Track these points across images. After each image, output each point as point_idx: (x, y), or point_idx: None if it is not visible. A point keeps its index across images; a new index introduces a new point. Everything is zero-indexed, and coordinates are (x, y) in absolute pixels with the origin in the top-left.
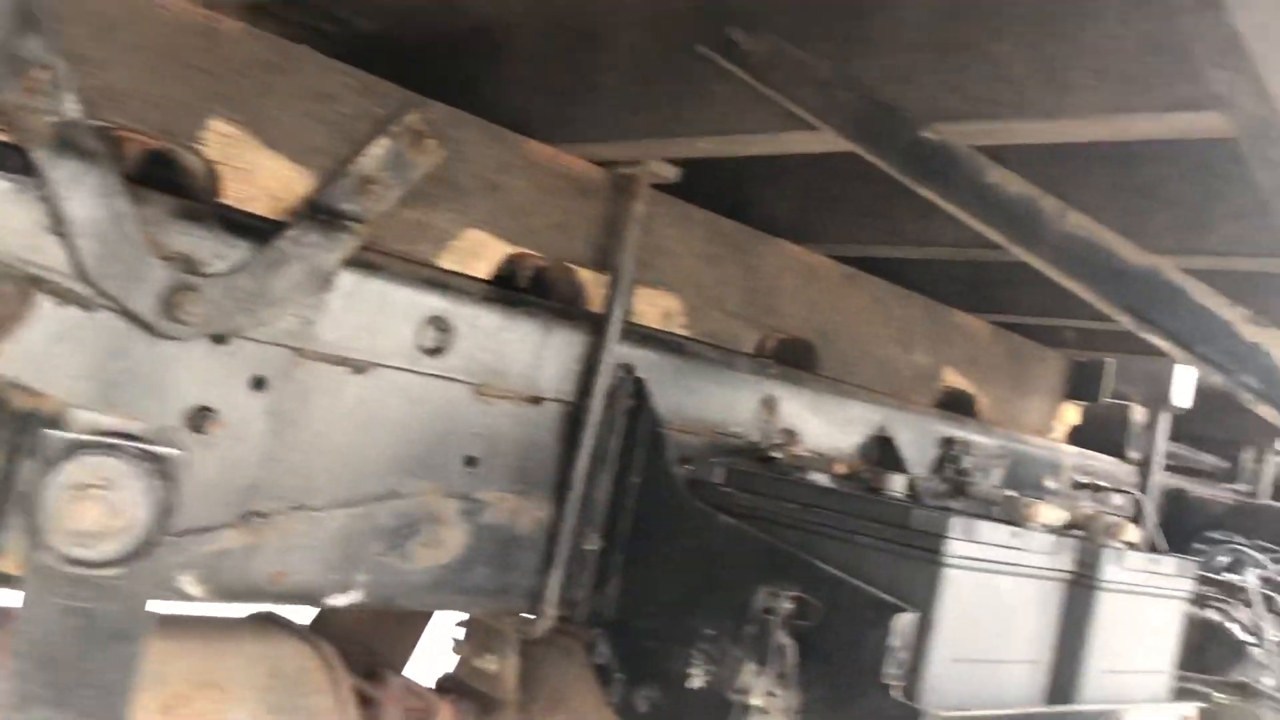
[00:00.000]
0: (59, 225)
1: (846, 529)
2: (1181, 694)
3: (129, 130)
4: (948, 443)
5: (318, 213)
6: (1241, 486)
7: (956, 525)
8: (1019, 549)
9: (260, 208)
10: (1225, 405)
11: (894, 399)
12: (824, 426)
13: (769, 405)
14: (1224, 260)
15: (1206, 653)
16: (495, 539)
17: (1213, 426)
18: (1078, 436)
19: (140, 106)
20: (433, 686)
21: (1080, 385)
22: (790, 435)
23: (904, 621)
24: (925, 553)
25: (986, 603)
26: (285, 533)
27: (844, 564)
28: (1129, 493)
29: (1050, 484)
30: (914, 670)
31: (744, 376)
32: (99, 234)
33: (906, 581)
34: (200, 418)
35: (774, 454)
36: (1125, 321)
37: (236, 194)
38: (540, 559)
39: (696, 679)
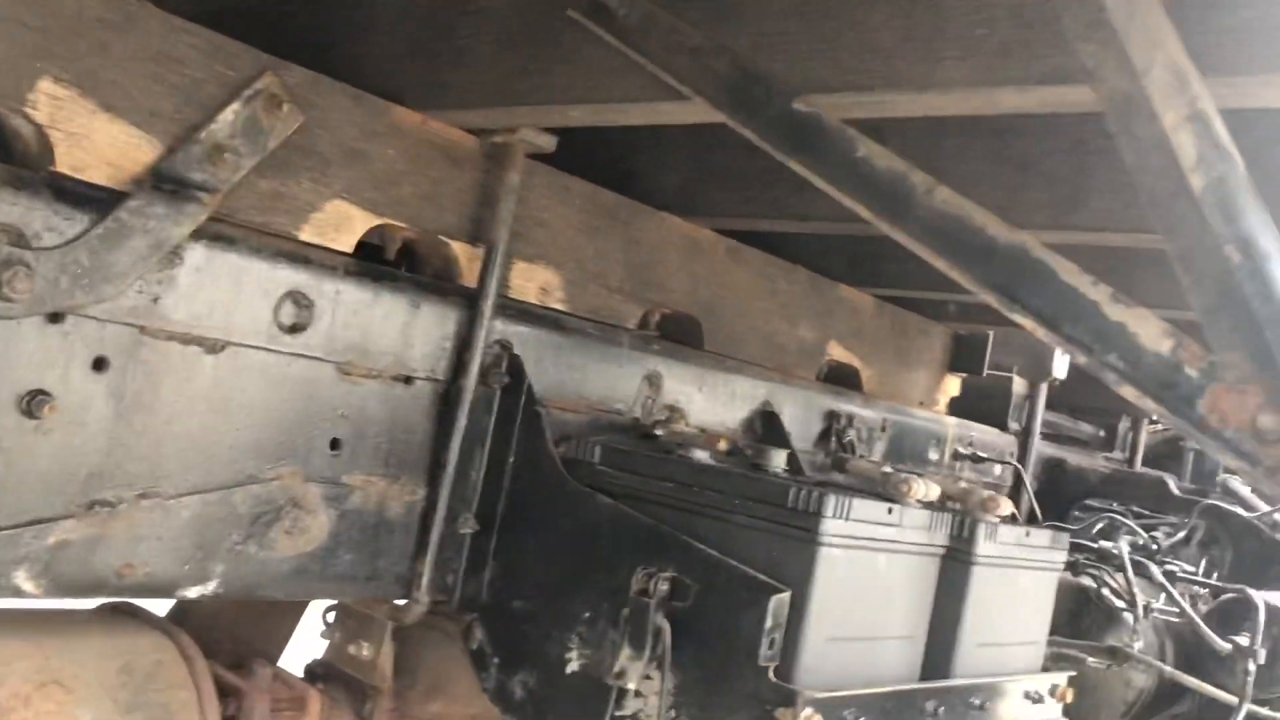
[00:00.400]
0: None
1: (724, 508)
2: (1056, 659)
3: None
4: (832, 416)
5: (163, 182)
6: (1117, 455)
7: (832, 504)
8: (895, 526)
9: (98, 176)
10: None
11: (779, 373)
12: (708, 402)
13: (652, 381)
14: (1095, 235)
15: (1081, 618)
16: (363, 524)
17: (1090, 396)
18: (960, 408)
19: None
20: (302, 675)
21: (962, 357)
22: (674, 411)
23: (778, 602)
24: (801, 531)
25: (862, 580)
26: (133, 523)
27: (721, 543)
28: (1009, 463)
29: (933, 455)
30: (789, 651)
31: (627, 352)
32: None
33: (782, 561)
34: (34, 402)
35: (656, 431)
36: (991, 300)
37: (71, 161)
38: (412, 543)
39: (573, 663)
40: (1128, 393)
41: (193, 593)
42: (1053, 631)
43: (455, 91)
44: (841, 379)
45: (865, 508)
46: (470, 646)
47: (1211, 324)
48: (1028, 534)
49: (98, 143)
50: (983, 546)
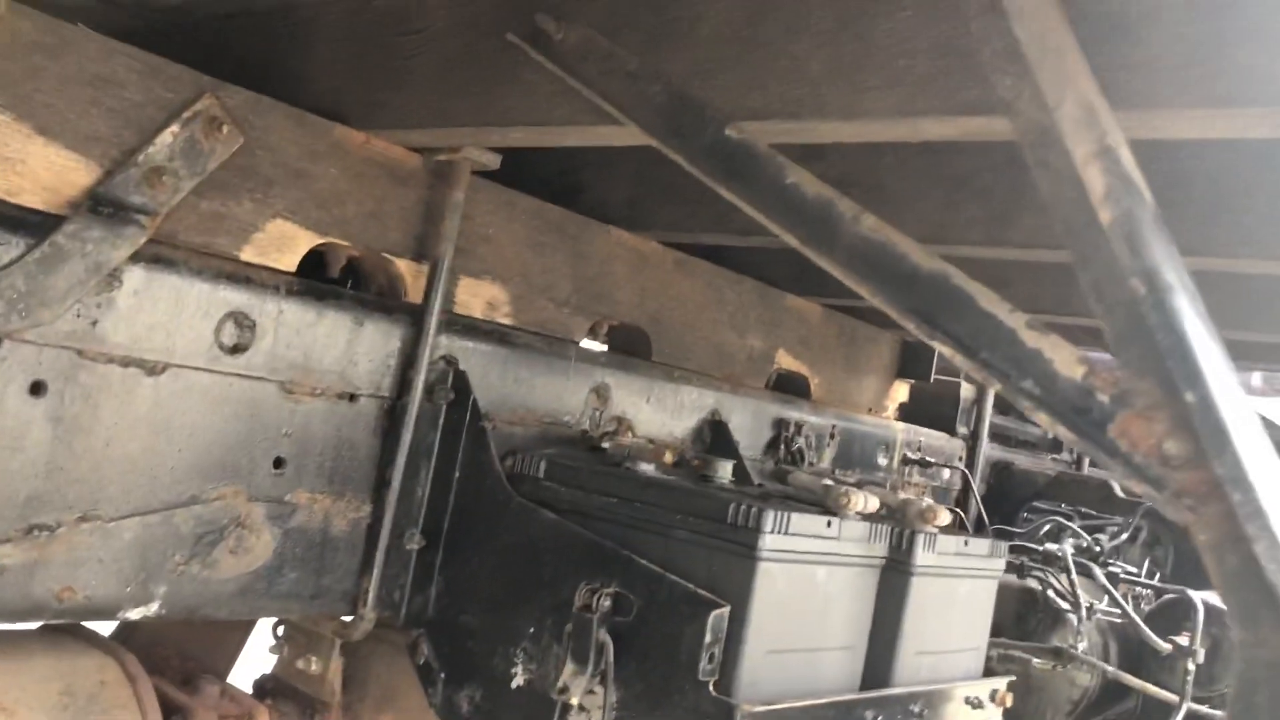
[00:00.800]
0: None
1: (666, 523)
2: (1003, 660)
3: None
4: (781, 424)
5: (101, 205)
6: (1065, 456)
7: (770, 519)
8: (833, 538)
9: (34, 200)
10: None
11: (727, 383)
12: (657, 413)
13: (600, 393)
14: (1028, 252)
15: (1028, 620)
16: (308, 542)
17: None
18: (909, 413)
19: None
20: (250, 690)
21: (911, 364)
22: (621, 422)
23: (718, 617)
24: (741, 547)
25: (802, 593)
26: (73, 546)
27: (663, 558)
28: (957, 468)
29: (882, 461)
30: (729, 664)
31: (574, 365)
32: None
33: (723, 575)
34: None
35: (603, 444)
36: (912, 327)
37: (6, 186)
38: (358, 560)
39: (519, 678)
40: (1041, 419)
41: (135, 614)
42: (1000, 633)
43: (397, 111)
44: (790, 387)
45: (804, 522)
46: (417, 662)
47: (1121, 352)
48: (966, 543)
49: (33, 167)
50: (921, 557)
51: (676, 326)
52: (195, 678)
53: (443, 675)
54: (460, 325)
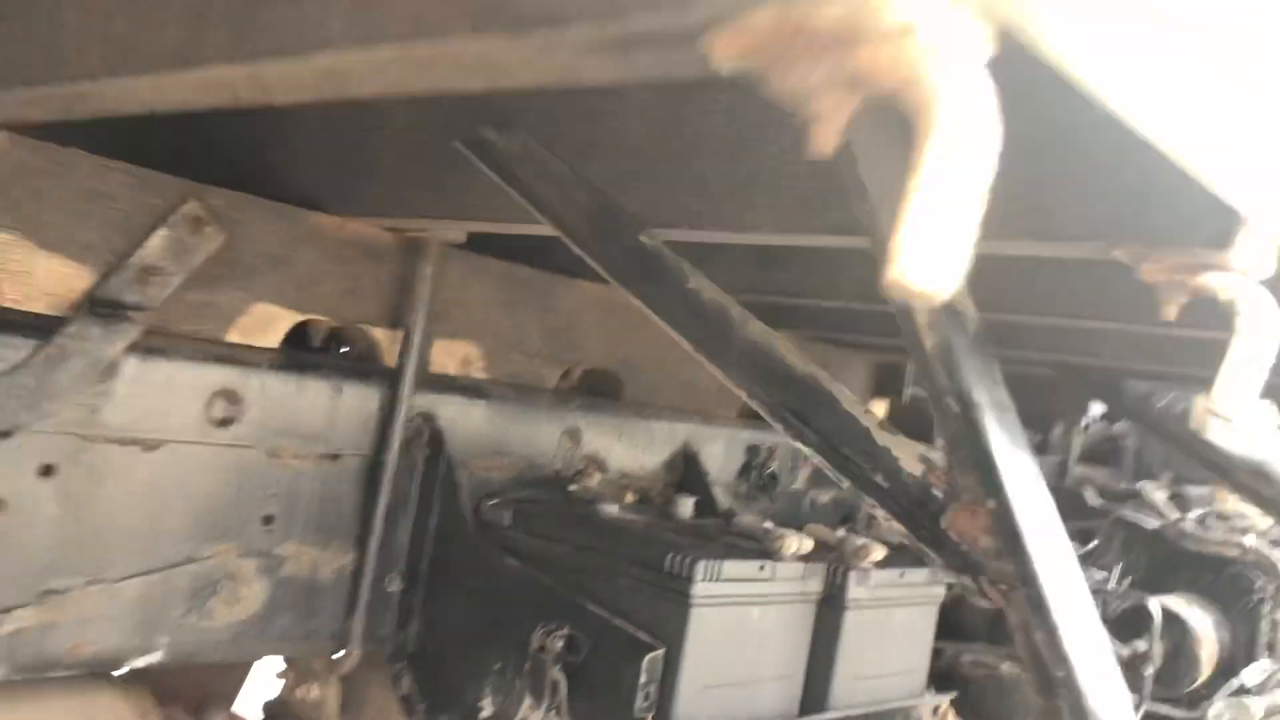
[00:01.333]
0: None
1: (614, 570)
2: (974, 665)
3: None
4: (753, 451)
5: (98, 306)
6: (1053, 458)
7: (702, 569)
8: (768, 580)
9: (39, 306)
10: (1036, 383)
11: (699, 415)
12: (629, 449)
13: (573, 435)
14: None
15: (998, 626)
16: (296, 589)
17: (1023, 404)
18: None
19: None
20: (259, 716)
21: (885, 382)
22: (593, 462)
23: (652, 659)
24: (676, 594)
25: (736, 632)
26: (82, 606)
27: (612, 601)
28: None
29: None
30: (665, 700)
31: (546, 412)
32: None
33: (662, 618)
34: None
35: (572, 486)
36: (783, 426)
37: (14, 295)
38: (344, 603)
39: (486, 710)
40: (880, 512)
41: (140, 663)
42: (972, 639)
43: (368, 200)
44: None
45: (736, 568)
46: (400, 692)
47: (950, 454)
48: (902, 574)
49: (38, 277)
50: (854, 591)
51: (647, 367)
52: (205, 705)
53: (422, 705)
54: (437, 383)
